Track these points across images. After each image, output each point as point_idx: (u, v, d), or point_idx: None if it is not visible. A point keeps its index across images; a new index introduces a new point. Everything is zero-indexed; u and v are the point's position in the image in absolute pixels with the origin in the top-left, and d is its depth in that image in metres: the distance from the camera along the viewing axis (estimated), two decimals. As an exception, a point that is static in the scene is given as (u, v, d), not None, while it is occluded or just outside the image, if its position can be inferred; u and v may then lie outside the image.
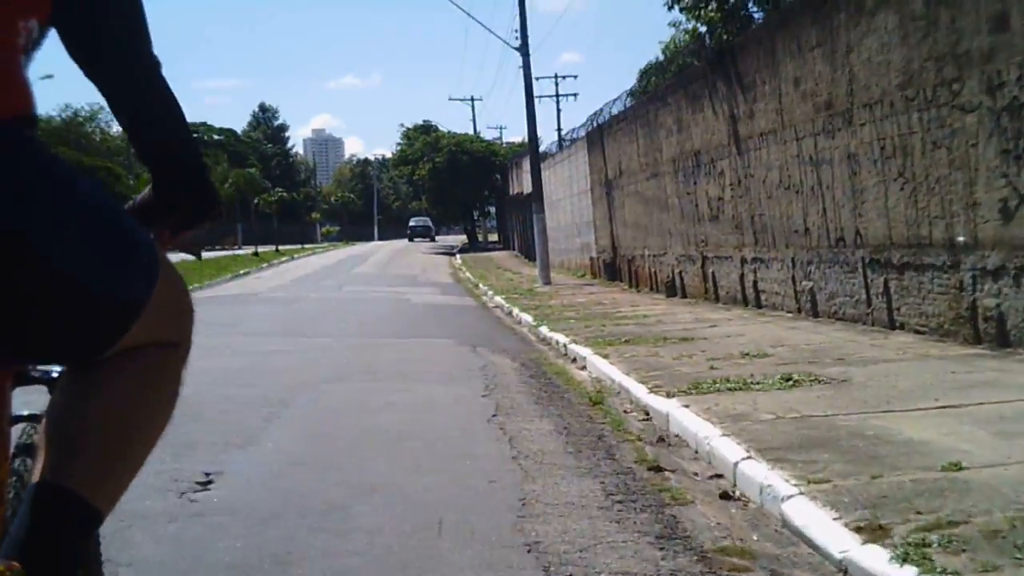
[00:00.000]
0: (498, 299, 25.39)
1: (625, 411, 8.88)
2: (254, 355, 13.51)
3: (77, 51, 2.11)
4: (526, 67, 31.70)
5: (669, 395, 8.57)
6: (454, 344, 14.64)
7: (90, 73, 2.15)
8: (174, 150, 2.26)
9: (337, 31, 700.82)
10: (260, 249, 67.36)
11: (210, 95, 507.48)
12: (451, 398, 9.72)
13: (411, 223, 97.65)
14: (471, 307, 24.60)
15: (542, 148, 52.94)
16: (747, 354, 11.01)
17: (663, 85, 25.33)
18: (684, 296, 21.49)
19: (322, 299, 26.07)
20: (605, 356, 11.61)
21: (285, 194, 73.50)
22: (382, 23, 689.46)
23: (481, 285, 32.90)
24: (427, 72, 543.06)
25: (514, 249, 63.35)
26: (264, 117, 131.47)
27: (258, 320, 19.94)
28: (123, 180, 73.36)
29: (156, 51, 2.25)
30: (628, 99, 29.06)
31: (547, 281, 31.05)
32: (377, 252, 65.08)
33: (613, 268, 29.57)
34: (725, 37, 19.29)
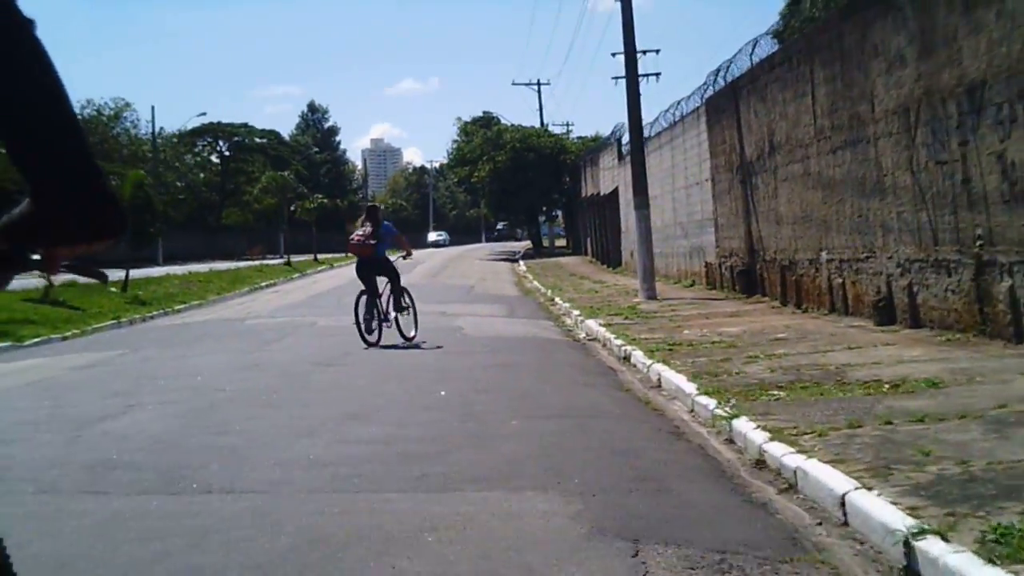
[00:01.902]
0: (592, 325, 17.17)
1: None
2: None
3: None
4: (626, -6, 23.06)
5: None
6: (583, 537, 5.24)
7: None
8: (53, 142, 1.68)
9: (395, 33, 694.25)
10: (296, 258, 59.94)
11: (270, 104, 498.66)
12: None
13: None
14: (555, 343, 16.17)
15: (614, 142, 44.53)
16: None
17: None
18: (916, 324, 12.88)
19: (325, 332, 17.79)
20: None
21: (326, 200, 65.08)
22: (439, 20, 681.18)
23: (558, 300, 24.76)
24: (487, 71, 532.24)
25: (586, 254, 54.91)
26: (314, 118, 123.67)
27: (149, 414, 9.82)
28: (147, 190, 64.98)
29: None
30: (773, 41, 20.52)
31: (651, 294, 22.67)
32: (429, 259, 56.58)
33: (750, 277, 20.95)
34: None
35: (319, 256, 60.82)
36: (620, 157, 41.21)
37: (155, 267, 49.07)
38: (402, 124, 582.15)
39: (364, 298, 15.69)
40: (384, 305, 15.88)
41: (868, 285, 14.39)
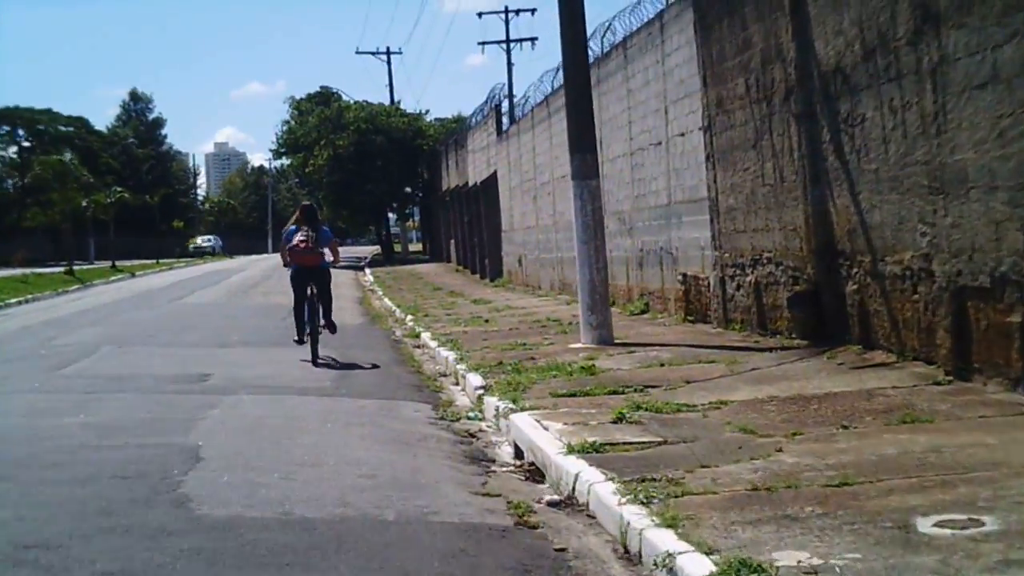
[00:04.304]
0: (541, 442, 6.92)
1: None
2: None
3: None
4: None
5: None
6: None
7: None
8: None
9: (238, 35, 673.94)
10: (94, 265, 48.55)
11: (111, 106, 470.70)
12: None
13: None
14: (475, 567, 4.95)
15: (474, 120, 34.09)
16: None
17: None
18: None
19: None
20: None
21: (127, 195, 52.95)
22: (282, 20, 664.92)
23: (426, 337, 15.16)
24: (334, 70, 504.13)
25: (449, 261, 44.28)
26: (136, 108, 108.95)
27: None
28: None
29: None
30: None
31: (605, 335, 12.58)
32: (251, 267, 45.23)
33: (818, 306, 10.66)
34: None
35: (118, 263, 49.03)
36: (500, 132, 30.77)
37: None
38: (248, 128, 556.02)
39: (306, 308, 13.40)
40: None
41: None
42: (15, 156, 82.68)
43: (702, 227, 13.91)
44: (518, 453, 7.44)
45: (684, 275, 14.67)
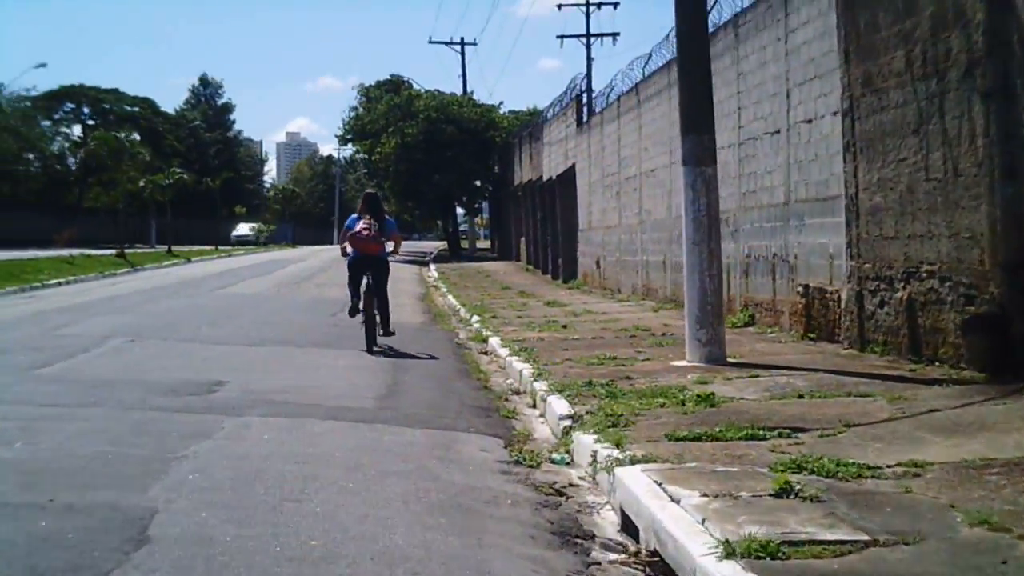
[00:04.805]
0: None
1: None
2: None
3: None
4: None
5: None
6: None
7: None
8: None
9: (315, 31, 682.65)
10: (154, 248, 47.30)
11: (183, 94, 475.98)
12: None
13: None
14: None
15: (548, 115, 31.86)
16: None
17: None
18: None
19: None
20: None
21: (186, 176, 51.24)
22: (359, 19, 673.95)
23: (495, 343, 12.92)
24: (409, 68, 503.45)
25: (519, 259, 42.08)
26: (206, 93, 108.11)
27: None
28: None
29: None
30: None
31: (717, 354, 10.34)
32: (312, 257, 43.51)
33: (1004, 335, 8.48)
34: None
35: (176, 248, 47.58)
36: (580, 123, 28.37)
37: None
38: (321, 119, 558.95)
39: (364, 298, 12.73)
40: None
41: None
42: (79, 136, 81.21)
43: (831, 231, 11.58)
44: (625, 523, 5.22)
45: (805, 286, 12.31)
